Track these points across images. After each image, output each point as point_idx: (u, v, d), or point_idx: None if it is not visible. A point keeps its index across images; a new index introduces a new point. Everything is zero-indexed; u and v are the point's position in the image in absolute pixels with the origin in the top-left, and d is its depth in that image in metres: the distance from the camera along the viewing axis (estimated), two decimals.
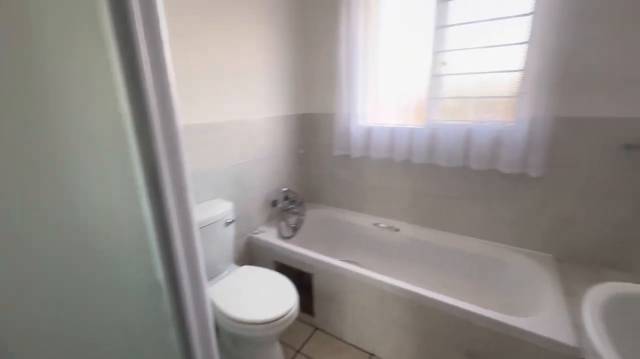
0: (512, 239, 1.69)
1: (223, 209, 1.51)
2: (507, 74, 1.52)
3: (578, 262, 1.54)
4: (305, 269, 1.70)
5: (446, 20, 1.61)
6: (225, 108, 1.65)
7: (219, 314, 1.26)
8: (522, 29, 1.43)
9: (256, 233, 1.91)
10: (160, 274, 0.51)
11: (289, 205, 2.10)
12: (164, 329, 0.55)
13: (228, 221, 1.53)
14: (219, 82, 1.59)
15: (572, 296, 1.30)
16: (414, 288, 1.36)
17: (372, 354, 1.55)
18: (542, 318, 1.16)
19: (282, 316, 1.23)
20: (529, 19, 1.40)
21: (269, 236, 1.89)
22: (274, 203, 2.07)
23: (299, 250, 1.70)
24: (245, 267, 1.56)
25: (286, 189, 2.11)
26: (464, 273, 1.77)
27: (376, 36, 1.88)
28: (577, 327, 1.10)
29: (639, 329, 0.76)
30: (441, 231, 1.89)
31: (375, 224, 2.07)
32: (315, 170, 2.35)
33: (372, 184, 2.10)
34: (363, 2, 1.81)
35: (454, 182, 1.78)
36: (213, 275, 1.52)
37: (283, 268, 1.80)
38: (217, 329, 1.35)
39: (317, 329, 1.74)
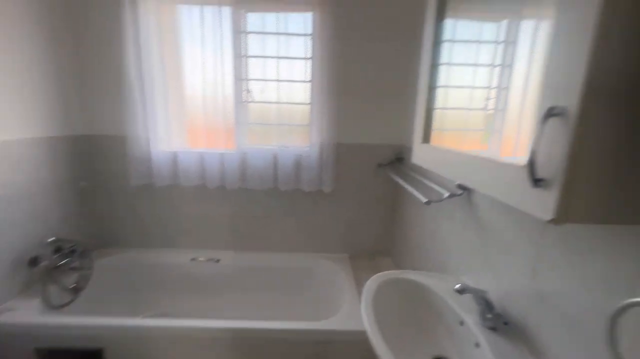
0: (318, 247, 1.94)
1: None
2: (300, 105, 1.75)
3: (364, 256, 1.95)
4: (90, 346, 1.25)
5: (246, 51, 1.68)
6: None
7: None
8: (306, 68, 1.70)
9: None
10: None
11: (61, 260, 1.52)
12: None
13: None
14: None
15: (361, 286, 1.61)
16: (231, 323, 1.27)
17: None
18: (344, 314, 1.36)
19: None
20: (309, 61, 1.68)
21: (22, 314, 1.29)
22: (34, 262, 1.44)
23: (75, 322, 1.25)
24: None
25: (53, 238, 1.52)
26: (284, 288, 1.87)
27: (177, 53, 1.72)
28: None
29: (396, 308, 1.01)
30: (261, 252, 1.93)
31: (193, 259, 1.85)
32: (107, 206, 1.85)
33: (185, 214, 1.88)
34: (154, 13, 1.61)
35: (267, 202, 1.86)
36: None
37: (53, 355, 1.26)
38: None
39: None
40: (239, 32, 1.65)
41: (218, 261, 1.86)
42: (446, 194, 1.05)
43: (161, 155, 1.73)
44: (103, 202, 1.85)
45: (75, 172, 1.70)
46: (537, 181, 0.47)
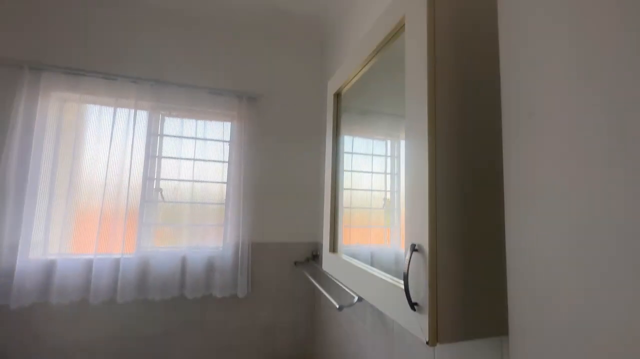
0: None
1: None
2: (215, 205, 1.74)
3: None
4: None
5: (160, 152, 1.67)
6: None
7: None
8: (221, 170, 1.76)
9: None
10: None
11: None
12: None
13: None
14: None
15: None
16: None
17: None
18: None
19: None
20: (225, 164, 1.75)
21: None
22: None
23: None
24: None
25: None
26: None
27: (77, 150, 1.59)
28: None
29: None
30: None
31: None
32: None
33: (51, 344, 1.45)
34: (55, 110, 1.53)
35: (169, 315, 1.60)
36: None
37: None
38: None
39: None
40: (155, 135, 1.66)
41: None
42: (355, 299, 1.10)
43: (31, 265, 1.40)
44: None
45: None
46: (413, 305, 0.55)
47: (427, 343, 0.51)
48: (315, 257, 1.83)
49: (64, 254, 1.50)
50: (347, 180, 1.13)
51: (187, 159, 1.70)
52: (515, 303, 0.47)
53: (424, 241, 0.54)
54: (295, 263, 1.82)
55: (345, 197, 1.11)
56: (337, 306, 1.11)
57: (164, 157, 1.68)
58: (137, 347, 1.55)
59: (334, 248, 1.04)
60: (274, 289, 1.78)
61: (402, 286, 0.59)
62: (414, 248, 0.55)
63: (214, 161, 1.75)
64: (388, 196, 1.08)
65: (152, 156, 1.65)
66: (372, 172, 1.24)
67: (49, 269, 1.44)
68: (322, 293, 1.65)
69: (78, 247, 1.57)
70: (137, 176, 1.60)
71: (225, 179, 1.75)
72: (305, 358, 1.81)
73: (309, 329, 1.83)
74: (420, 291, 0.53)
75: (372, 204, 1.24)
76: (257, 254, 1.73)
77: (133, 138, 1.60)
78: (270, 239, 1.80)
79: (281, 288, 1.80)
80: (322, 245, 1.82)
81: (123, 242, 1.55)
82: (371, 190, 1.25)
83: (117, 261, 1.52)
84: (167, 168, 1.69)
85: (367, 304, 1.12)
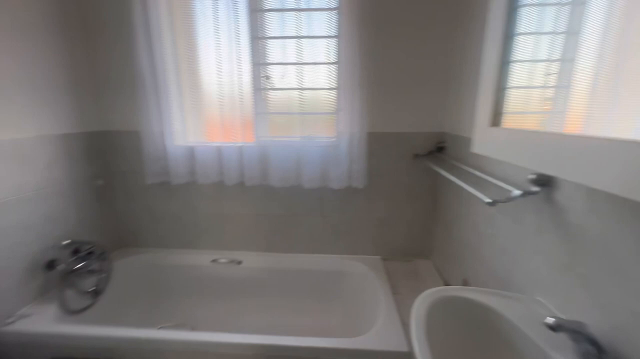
0: (348, 249, 1.75)
1: None
2: (325, 91, 1.56)
3: (397, 258, 1.75)
4: (103, 358, 1.16)
5: (263, 32, 1.50)
6: None
7: None
8: (331, 49, 1.50)
9: (9, 322, 1.19)
10: None
11: (79, 263, 1.45)
12: None
13: None
14: None
15: (398, 294, 1.42)
16: (254, 338, 1.13)
17: None
18: (381, 330, 1.18)
19: None
20: (334, 40, 1.47)
21: (37, 321, 1.22)
22: (51, 265, 1.38)
23: (87, 332, 1.16)
24: None
25: (69, 241, 1.45)
26: (310, 293, 1.71)
27: (191, 41, 1.58)
28: (405, 326, 1.18)
29: (449, 330, 0.81)
30: (284, 254, 1.78)
31: (214, 261, 1.73)
32: (125, 206, 1.78)
33: (204, 213, 1.76)
34: (165, 2, 1.47)
35: (291, 200, 1.70)
36: None
37: None
38: None
39: None
40: (255, 11, 1.47)
41: (240, 262, 1.73)
42: (517, 192, 0.82)
43: (177, 150, 1.61)
44: (119, 202, 1.77)
45: (90, 170, 1.62)
46: None
47: None
48: (440, 149, 1.54)
49: (199, 141, 1.67)
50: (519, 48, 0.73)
51: (291, 37, 1.48)
52: None
53: None
54: (416, 156, 1.58)
55: (514, 71, 0.73)
56: (488, 201, 0.86)
57: (268, 37, 1.50)
58: (265, 221, 1.75)
59: (496, 121, 0.73)
60: (390, 183, 1.65)
61: None
62: None
63: (321, 37, 1.48)
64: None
65: (256, 37, 1.50)
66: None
67: (191, 154, 1.63)
68: (450, 188, 1.42)
69: (210, 136, 1.72)
70: (246, 62, 1.51)
71: (334, 59, 1.50)
72: (422, 254, 1.75)
73: (426, 225, 1.70)
74: None
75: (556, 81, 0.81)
76: (373, 145, 1.56)
77: (236, 18, 1.45)
78: (387, 128, 1.58)
79: (398, 182, 1.64)
80: (450, 136, 1.49)
81: (242, 132, 1.59)
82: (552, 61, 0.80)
83: (240, 149, 1.60)
84: (273, 51, 1.53)
85: (527, 201, 0.83)
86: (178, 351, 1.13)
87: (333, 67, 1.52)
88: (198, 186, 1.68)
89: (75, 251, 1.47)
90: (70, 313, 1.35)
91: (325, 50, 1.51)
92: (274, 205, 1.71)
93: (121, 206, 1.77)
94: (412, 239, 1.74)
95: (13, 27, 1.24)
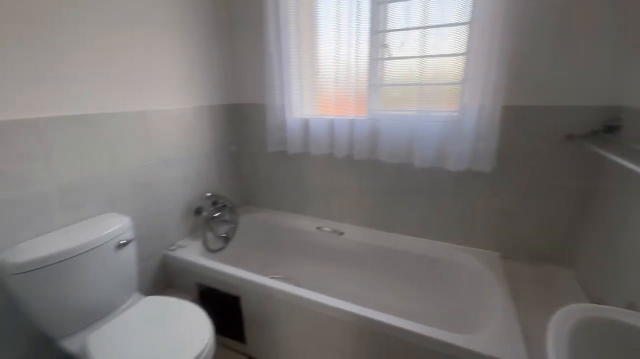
0: (459, 238, 1.57)
1: (112, 227, 1.16)
2: (451, 59, 1.36)
3: (522, 259, 1.46)
4: (231, 292, 1.41)
5: None
6: (114, 97, 1.28)
7: None
8: (463, 8, 1.28)
9: (172, 249, 1.57)
10: None
11: (216, 212, 1.78)
12: None
13: (122, 241, 1.18)
14: (104, 68, 1.21)
15: (519, 300, 1.20)
16: (353, 307, 1.15)
17: None
18: (492, 334, 1.02)
19: None
20: None
21: (189, 252, 1.57)
22: (198, 211, 1.74)
23: (221, 268, 1.41)
24: (150, 299, 1.22)
25: (210, 193, 1.78)
26: (412, 277, 1.63)
27: (312, 12, 1.62)
28: (528, 340, 0.99)
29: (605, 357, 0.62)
30: (387, 232, 1.73)
31: (319, 228, 1.85)
32: (250, 170, 2.05)
33: (313, 183, 1.87)
34: None
35: (399, 178, 1.62)
36: (105, 313, 1.17)
37: (208, 291, 1.50)
38: None
39: (250, 358, 1.47)
40: None
41: (342, 233, 1.79)
42: None
43: (294, 122, 1.73)
44: (246, 166, 2.05)
45: (227, 137, 1.93)
46: None
47: None
48: (610, 129, 1.16)
49: (313, 114, 1.75)
50: None
51: None
52: None
53: None
54: (569, 136, 1.24)
55: None
56: None
57: (390, 1, 1.39)
58: (370, 197, 1.73)
59: None
60: (526, 167, 1.36)
61: None
62: None
63: None
64: None
65: (376, 1, 1.41)
66: None
67: (306, 126, 1.72)
68: (620, 180, 1.06)
69: (323, 110, 1.77)
70: (365, 31, 1.46)
71: (466, 19, 1.28)
72: (559, 261, 1.41)
73: (570, 225, 1.35)
74: None
75: None
76: (507, 122, 1.29)
77: None
78: (530, 101, 1.28)
79: (537, 167, 1.34)
80: (631, 111, 1.09)
81: (354, 105, 1.57)
82: None
83: (352, 123, 1.60)
84: (395, 17, 1.42)
85: None
86: (285, 300, 1.26)
87: (464, 29, 1.30)
88: (310, 156, 1.78)
89: (214, 203, 1.80)
90: (209, 251, 1.68)
91: (456, 8, 1.30)
92: (380, 181, 1.67)
93: (247, 170, 2.06)
94: (545, 240, 1.42)
95: (183, 21, 1.53)
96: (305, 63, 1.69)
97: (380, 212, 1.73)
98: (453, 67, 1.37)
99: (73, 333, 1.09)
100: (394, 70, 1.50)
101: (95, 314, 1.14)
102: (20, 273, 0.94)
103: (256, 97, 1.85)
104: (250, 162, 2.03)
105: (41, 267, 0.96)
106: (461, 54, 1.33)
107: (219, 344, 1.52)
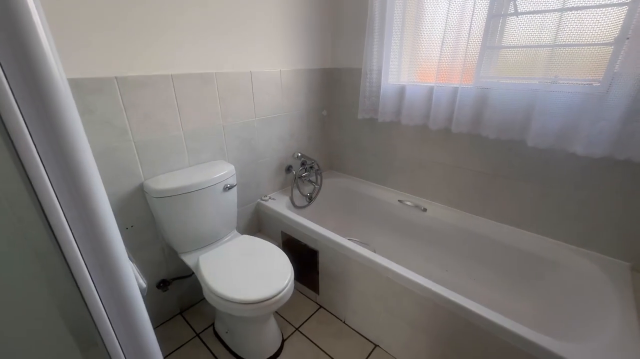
0: (574, 238, 1.32)
1: (222, 172, 1.36)
2: (600, 9, 1.06)
3: None
4: (310, 245, 1.53)
5: None
6: (228, 58, 1.43)
7: (204, 287, 1.16)
8: None
9: (265, 200, 1.77)
10: None
11: (304, 172, 1.90)
12: None
13: (228, 185, 1.38)
14: (212, 31, 1.36)
15: None
16: (427, 282, 1.12)
17: (377, 345, 1.39)
18: (602, 347, 0.87)
19: (272, 297, 1.09)
20: None
21: (278, 204, 1.74)
22: (288, 169, 1.89)
23: (304, 223, 1.53)
24: (245, 237, 1.43)
25: (300, 154, 1.89)
26: (500, 268, 1.48)
27: None
28: None
29: None
30: (476, 216, 1.58)
31: (400, 201, 1.80)
32: (338, 135, 2.09)
33: (400, 155, 1.80)
34: None
35: (503, 158, 1.42)
36: (212, 240, 1.42)
37: (290, 241, 1.66)
38: None
39: (321, 307, 1.61)
40: None
41: (425, 210, 1.71)
42: None
43: (389, 89, 1.66)
44: (334, 131, 2.09)
45: (321, 101, 1.98)
46: None
47: None
48: None
49: (411, 81, 1.64)
50: None
51: None
52: None
53: None
54: None
55: None
56: None
57: None
58: (463, 176, 1.58)
59: None
60: None
61: None
62: None
63: None
64: None
65: None
66: None
67: (401, 93, 1.63)
68: None
69: (422, 76, 1.64)
70: None
71: None
72: None
73: None
74: None
75: None
76: None
77: None
78: None
79: None
80: None
81: (461, 71, 1.40)
82: None
83: (454, 91, 1.44)
84: None
85: None
86: (361, 263, 1.31)
87: None
88: (401, 126, 1.71)
89: (303, 163, 1.92)
90: (295, 206, 1.83)
91: None
92: (478, 160, 1.50)
93: (335, 135, 2.10)
94: None
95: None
96: (411, 24, 1.56)
97: (472, 193, 1.57)
98: (605, 23, 1.07)
99: (190, 251, 1.37)
100: (518, 28, 1.26)
101: (206, 240, 1.40)
102: (159, 197, 1.20)
103: (352, 61, 1.82)
104: (338, 128, 2.07)
105: (172, 196, 1.21)
106: (620, 4, 1.02)
107: (296, 288, 1.70)
